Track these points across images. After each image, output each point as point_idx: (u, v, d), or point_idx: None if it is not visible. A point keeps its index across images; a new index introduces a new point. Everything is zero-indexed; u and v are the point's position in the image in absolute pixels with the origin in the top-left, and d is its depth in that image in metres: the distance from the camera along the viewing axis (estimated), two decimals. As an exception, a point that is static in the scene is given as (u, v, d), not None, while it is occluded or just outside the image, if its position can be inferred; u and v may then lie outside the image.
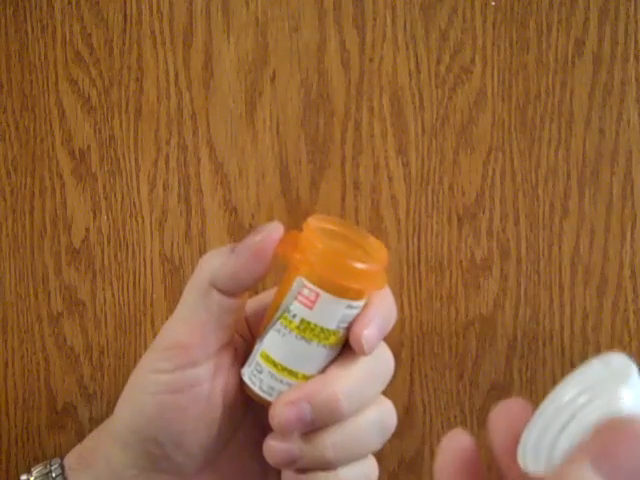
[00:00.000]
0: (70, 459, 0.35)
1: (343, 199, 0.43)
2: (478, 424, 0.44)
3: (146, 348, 0.43)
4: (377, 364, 0.31)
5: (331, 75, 0.43)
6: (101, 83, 0.43)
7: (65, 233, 0.43)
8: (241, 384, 0.32)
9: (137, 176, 0.43)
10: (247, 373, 0.31)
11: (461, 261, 0.43)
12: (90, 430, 0.44)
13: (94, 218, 0.43)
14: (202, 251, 0.43)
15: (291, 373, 0.30)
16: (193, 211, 0.43)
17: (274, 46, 0.43)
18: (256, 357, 0.31)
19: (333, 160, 0.43)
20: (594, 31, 0.42)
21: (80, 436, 0.44)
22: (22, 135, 0.43)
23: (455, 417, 0.44)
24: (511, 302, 0.43)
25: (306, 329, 0.29)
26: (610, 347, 0.43)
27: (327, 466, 0.29)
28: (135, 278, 0.44)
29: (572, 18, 0.42)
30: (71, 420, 0.44)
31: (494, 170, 0.43)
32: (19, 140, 0.43)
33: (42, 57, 0.43)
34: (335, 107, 0.43)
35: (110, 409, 0.44)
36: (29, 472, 0.35)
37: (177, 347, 0.31)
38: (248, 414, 0.33)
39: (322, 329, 0.29)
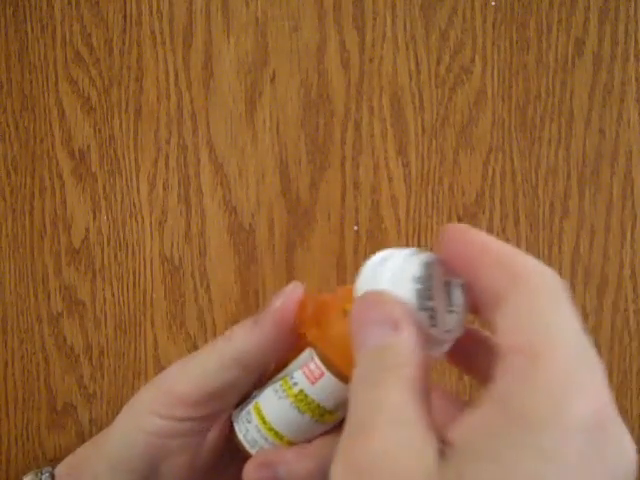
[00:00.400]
0: (61, 468, 0.35)
1: (343, 199, 0.43)
2: (478, 424, 0.44)
3: (146, 348, 0.44)
4: None
5: (331, 75, 0.43)
6: (101, 83, 0.43)
7: (65, 233, 0.43)
8: (230, 430, 0.32)
9: (137, 176, 0.43)
10: (237, 417, 0.31)
11: (461, 261, 0.43)
12: (90, 430, 0.44)
13: (94, 218, 0.43)
14: (202, 251, 0.43)
15: (277, 435, 0.29)
16: (193, 211, 0.43)
17: (274, 46, 0.43)
18: (249, 406, 0.30)
19: (333, 160, 0.43)
20: (594, 31, 0.42)
21: (80, 436, 0.44)
22: (22, 135, 0.43)
23: (455, 417, 0.44)
24: (511, 302, 0.43)
25: (303, 401, 0.29)
26: (610, 347, 0.43)
27: None
28: (135, 278, 0.44)
29: (572, 18, 0.42)
30: (71, 420, 0.44)
31: (494, 170, 0.43)
32: (19, 140, 0.43)
33: (42, 57, 0.43)
34: (335, 107, 0.43)
35: (110, 409, 0.44)
36: None
37: (179, 401, 0.30)
38: (232, 465, 0.33)
39: (318, 406, 0.29)
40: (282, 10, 0.42)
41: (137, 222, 0.43)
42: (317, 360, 0.28)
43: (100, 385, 0.44)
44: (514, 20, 0.42)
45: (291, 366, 0.29)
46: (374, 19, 0.42)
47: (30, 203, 0.43)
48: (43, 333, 0.44)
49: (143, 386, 0.32)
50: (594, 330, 0.43)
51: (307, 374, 0.29)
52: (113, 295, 0.44)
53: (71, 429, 0.44)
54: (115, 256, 0.44)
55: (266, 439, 0.30)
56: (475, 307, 0.23)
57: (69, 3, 0.42)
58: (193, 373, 0.30)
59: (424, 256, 0.24)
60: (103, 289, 0.44)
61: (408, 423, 0.20)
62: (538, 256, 0.45)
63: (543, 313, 0.19)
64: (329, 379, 0.28)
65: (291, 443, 0.30)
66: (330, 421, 0.29)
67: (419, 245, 0.43)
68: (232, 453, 0.32)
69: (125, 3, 0.42)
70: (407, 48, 0.42)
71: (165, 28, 0.42)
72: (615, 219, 0.43)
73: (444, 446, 0.19)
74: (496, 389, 0.19)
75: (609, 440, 0.18)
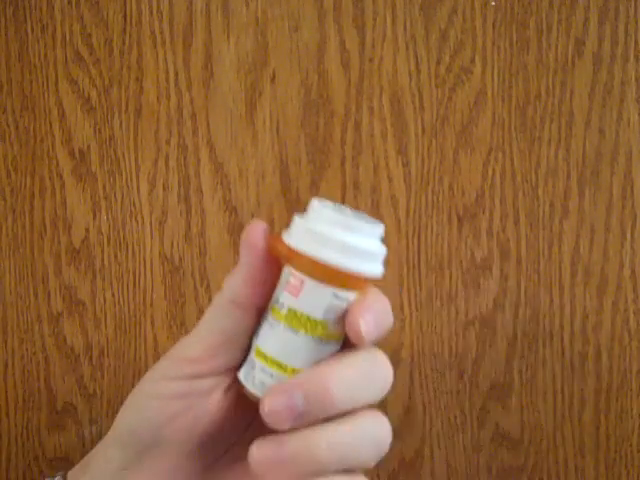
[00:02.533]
0: (73, 469, 0.35)
1: (343, 199, 0.43)
2: (478, 424, 0.44)
3: (146, 347, 0.44)
4: (373, 368, 0.31)
5: (331, 75, 0.43)
6: (101, 83, 0.43)
7: (65, 233, 0.43)
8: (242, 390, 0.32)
9: (137, 176, 0.43)
10: (242, 372, 0.31)
11: (461, 261, 0.43)
12: (90, 430, 0.44)
13: (94, 218, 0.43)
14: (202, 251, 0.43)
15: (280, 366, 0.30)
16: (193, 211, 0.43)
17: (274, 46, 0.43)
18: (251, 354, 0.31)
19: (333, 160, 0.43)
20: (594, 31, 0.42)
21: (80, 436, 0.44)
22: (22, 135, 0.43)
23: (455, 417, 0.44)
24: (511, 302, 0.43)
25: (293, 318, 0.29)
26: (610, 347, 0.43)
27: (319, 469, 0.29)
28: (135, 278, 0.44)
29: (572, 18, 0.42)
30: (71, 420, 0.44)
31: (494, 170, 0.43)
32: (19, 140, 0.43)
33: (42, 57, 0.43)
34: (335, 107, 0.43)
35: (110, 408, 0.44)
36: None
37: (187, 360, 0.31)
38: (247, 431, 0.34)
39: (308, 318, 0.29)
40: (282, 10, 0.42)
41: (137, 222, 0.43)
42: (294, 271, 0.29)
43: (100, 385, 0.44)
44: (514, 20, 0.42)
45: (275, 293, 0.30)
46: (374, 19, 0.42)
47: (30, 203, 0.43)
48: (43, 333, 0.44)
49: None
50: (594, 330, 0.43)
51: (290, 290, 0.29)
52: (113, 295, 0.44)
53: (71, 429, 0.44)
54: (115, 256, 0.44)
55: (272, 375, 0.30)
56: None
57: (69, 3, 0.42)
58: (195, 333, 0.31)
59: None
60: (103, 289, 0.44)
61: None
62: (538, 256, 0.45)
63: None
64: (310, 284, 0.29)
65: (295, 372, 0.30)
66: (324, 336, 0.30)
67: (419, 245, 0.43)
68: (245, 425, 0.33)
69: (125, 3, 0.42)
70: (407, 48, 0.42)
71: (165, 28, 0.42)
72: (615, 219, 0.43)
73: None
74: None
75: None
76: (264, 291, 0.31)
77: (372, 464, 0.31)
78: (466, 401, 0.44)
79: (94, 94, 0.43)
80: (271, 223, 0.43)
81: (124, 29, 0.43)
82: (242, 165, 0.43)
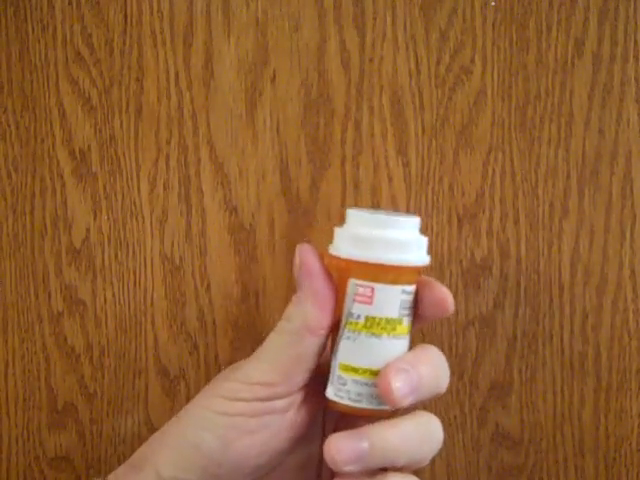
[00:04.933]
0: (117, 471, 0.35)
1: (343, 199, 0.43)
2: (478, 424, 0.44)
3: (146, 347, 0.44)
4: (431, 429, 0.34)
5: (331, 75, 0.43)
6: (101, 83, 0.43)
7: (65, 233, 0.44)
8: (317, 406, 0.33)
9: (137, 176, 0.43)
10: (331, 391, 0.32)
11: (461, 261, 0.43)
12: (90, 430, 0.44)
13: (94, 218, 0.43)
14: (202, 251, 0.43)
15: (373, 373, 0.31)
16: (193, 211, 0.43)
17: (274, 46, 0.43)
18: (336, 372, 0.31)
19: (333, 160, 0.43)
20: (594, 31, 0.42)
21: (81, 436, 0.44)
22: (22, 135, 0.43)
23: (455, 417, 0.44)
24: (511, 302, 0.43)
25: (372, 325, 0.30)
26: (610, 347, 0.43)
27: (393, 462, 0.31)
28: (135, 278, 0.44)
29: (572, 18, 0.42)
30: (72, 420, 0.44)
31: (494, 170, 0.43)
32: (19, 140, 0.43)
33: (42, 57, 0.43)
34: (335, 107, 0.43)
35: (110, 408, 0.44)
36: None
37: (262, 384, 0.32)
38: (302, 444, 0.35)
39: (387, 320, 0.30)
40: (282, 10, 0.42)
41: (137, 222, 0.43)
42: (362, 281, 0.31)
43: (101, 385, 0.44)
44: (514, 20, 0.42)
45: (346, 309, 0.31)
46: (374, 19, 0.42)
47: (31, 203, 0.43)
48: (44, 333, 0.44)
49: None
50: (594, 330, 0.43)
51: (362, 300, 0.31)
52: (113, 295, 0.44)
53: (72, 429, 0.44)
54: (115, 256, 0.44)
55: (367, 384, 0.31)
56: None
57: (70, 3, 0.43)
58: (268, 359, 0.33)
59: None
60: (104, 289, 0.44)
61: None
62: (538, 256, 0.45)
63: None
64: (380, 289, 0.30)
65: None
66: (403, 332, 0.31)
67: (419, 245, 0.43)
68: (310, 436, 0.35)
69: (125, 3, 0.42)
70: (407, 48, 0.42)
71: (165, 28, 0.43)
72: (614, 219, 0.43)
73: None
74: None
75: None
76: (331, 310, 0.32)
77: (428, 459, 0.33)
78: (466, 401, 0.44)
79: (94, 94, 0.43)
80: (271, 223, 0.43)
81: (124, 29, 0.43)
82: (242, 165, 0.43)
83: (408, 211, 0.43)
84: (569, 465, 0.44)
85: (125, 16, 0.43)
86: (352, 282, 0.31)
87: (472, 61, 0.42)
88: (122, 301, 0.44)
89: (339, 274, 0.32)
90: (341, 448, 0.30)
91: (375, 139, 0.43)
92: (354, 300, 0.31)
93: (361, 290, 0.30)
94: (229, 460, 0.32)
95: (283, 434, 0.32)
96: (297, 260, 0.33)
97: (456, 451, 0.44)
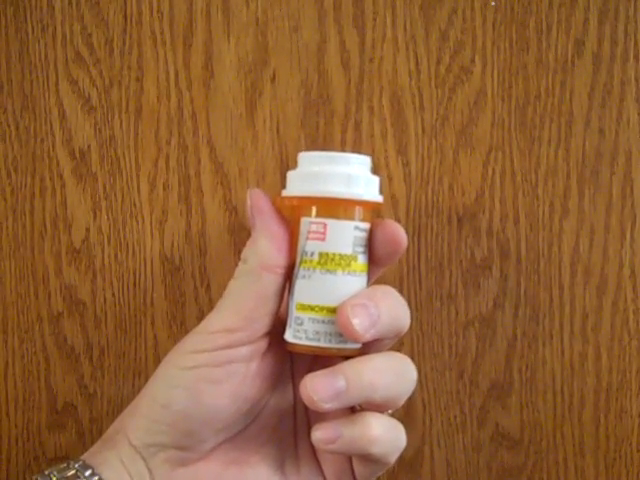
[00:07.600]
0: (92, 449, 0.35)
1: (343, 199, 0.43)
2: (478, 424, 0.44)
3: (146, 347, 0.44)
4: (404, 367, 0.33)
5: (331, 75, 0.43)
6: (101, 83, 0.43)
7: (65, 233, 0.44)
8: (283, 354, 0.33)
9: (137, 176, 0.43)
10: (290, 333, 0.31)
11: (461, 261, 0.43)
12: (90, 430, 0.44)
13: (94, 218, 0.43)
14: (202, 251, 0.43)
15: (330, 310, 0.30)
16: (193, 211, 0.43)
17: (274, 46, 0.43)
18: (293, 314, 0.31)
19: (333, 160, 0.43)
20: (594, 31, 0.42)
21: (80, 436, 0.44)
22: (22, 135, 0.43)
23: (455, 417, 0.44)
24: (511, 302, 0.43)
25: (327, 261, 0.30)
26: (610, 347, 0.43)
27: (371, 397, 0.31)
28: (135, 278, 0.44)
29: (572, 18, 0.42)
30: (71, 419, 0.44)
31: (494, 170, 0.43)
32: (19, 140, 0.43)
33: (42, 57, 0.43)
34: (335, 107, 0.43)
35: (110, 408, 0.44)
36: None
37: (223, 331, 0.32)
38: (273, 397, 0.34)
39: (341, 256, 0.30)
40: (282, 10, 0.42)
41: (137, 222, 0.43)
42: (314, 218, 0.31)
43: (100, 385, 0.44)
44: (514, 20, 0.42)
45: (300, 247, 0.31)
46: (374, 19, 0.42)
47: (31, 203, 0.43)
48: (43, 333, 0.44)
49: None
50: (594, 330, 0.43)
51: (315, 237, 0.31)
52: (113, 295, 0.44)
53: (71, 429, 0.44)
54: (115, 256, 0.44)
55: (324, 321, 0.31)
56: None
57: (69, 3, 0.43)
58: (224, 305, 0.33)
59: None
60: (103, 289, 0.44)
61: None
62: (538, 256, 0.45)
63: None
64: (332, 224, 0.30)
65: None
66: (358, 269, 0.31)
67: (419, 245, 0.43)
68: (272, 390, 0.34)
69: (125, 3, 0.42)
70: (407, 48, 0.42)
71: (165, 28, 0.43)
72: (614, 219, 0.43)
73: None
74: None
75: None
76: (287, 249, 0.32)
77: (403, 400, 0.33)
78: (466, 401, 0.44)
79: (94, 94, 0.43)
80: (271, 223, 0.43)
81: (124, 29, 0.43)
82: (242, 165, 0.43)
83: (407, 211, 0.43)
84: (569, 465, 0.44)
85: (125, 16, 0.43)
86: (304, 220, 0.31)
87: (472, 61, 0.42)
88: (122, 301, 0.44)
89: (292, 216, 0.32)
90: (318, 387, 0.29)
91: (375, 139, 0.43)
92: (307, 238, 0.31)
93: (314, 227, 0.30)
94: (200, 413, 0.31)
95: (250, 383, 0.32)
96: (248, 202, 0.33)
97: (456, 451, 0.44)
